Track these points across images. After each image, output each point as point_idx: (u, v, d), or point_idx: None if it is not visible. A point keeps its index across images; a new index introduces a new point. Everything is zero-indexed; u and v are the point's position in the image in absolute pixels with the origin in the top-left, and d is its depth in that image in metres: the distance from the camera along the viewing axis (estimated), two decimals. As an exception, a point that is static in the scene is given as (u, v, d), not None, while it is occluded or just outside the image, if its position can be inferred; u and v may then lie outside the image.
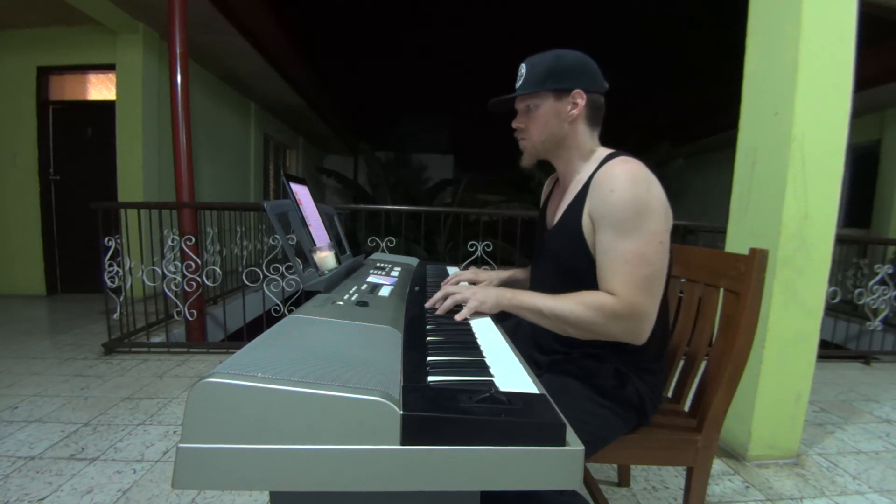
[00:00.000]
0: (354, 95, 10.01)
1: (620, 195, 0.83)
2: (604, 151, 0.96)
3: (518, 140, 1.02)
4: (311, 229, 1.00)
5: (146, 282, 2.85)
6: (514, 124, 1.00)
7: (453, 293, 0.94)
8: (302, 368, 0.48)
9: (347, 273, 1.12)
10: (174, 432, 1.77)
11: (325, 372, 0.48)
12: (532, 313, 0.89)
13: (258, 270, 2.88)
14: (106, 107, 4.27)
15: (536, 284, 1.09)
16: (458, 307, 0.94)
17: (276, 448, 0.43)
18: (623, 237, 0.83)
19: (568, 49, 0.95)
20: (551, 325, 0.88)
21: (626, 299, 0.82)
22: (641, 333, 0.85)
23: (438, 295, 0.95)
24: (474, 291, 0.93)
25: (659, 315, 0.89)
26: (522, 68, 0.96)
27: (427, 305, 0.96)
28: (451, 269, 1.53)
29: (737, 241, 1.81)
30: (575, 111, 0.93)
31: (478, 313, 0.93)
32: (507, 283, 1.24)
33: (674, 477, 1.59)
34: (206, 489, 1.37)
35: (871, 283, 3.29)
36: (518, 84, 0.97)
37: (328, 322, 0.69)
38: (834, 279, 3.42)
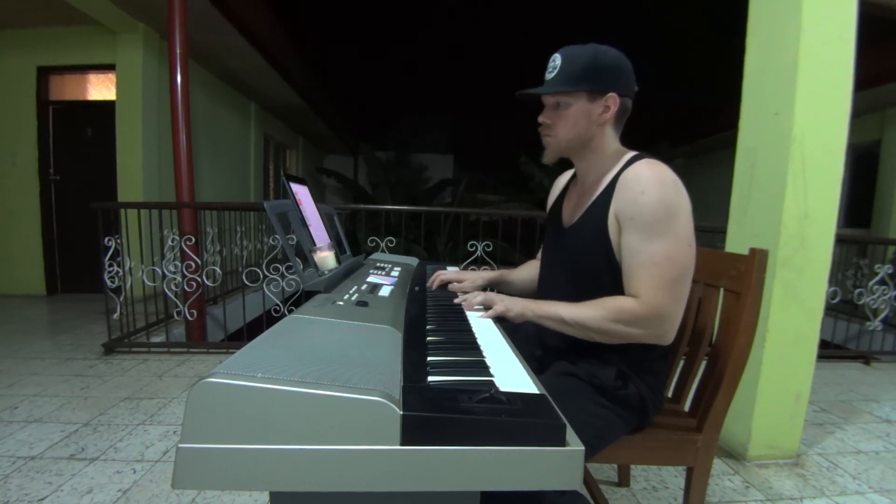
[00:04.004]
0: (354, 95, 10.01)
1: (650, 197, 0.82)
2: (628, 153, 0.95)
3: (542, 135, 0.98)
4: (311, 229, 1.00)
5: (146, 282, 2.85)
6: (541, 119, 0.96)
7: (482, 295, 0.99)
8: (302, 368, 0.48)
9: (347, 273, 1.12)
10: (174, 432, 1.77)
11: (325, 372, 0.48)
12: (555, 322, 0.90)
13: (258, 270, 2.88)
14: (106, 107, 4.27)
15: (547, 284, 1.09)
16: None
17: (276, 448, 0.43)
18: (652, 239, 0.83)
19: (605, 46, 0.91)
20: (575, 333, 0.89)
21: (648, 302, 0.83)
22: (665, 335, 0.86)
23: (469, 295, 1.01)
24: (503, 298, 0.95)
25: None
26: (557, 59, 0.91)
27: (457, 301, 1.02)
28: (452, 270, 1.53)
29: (737, 241, 1.81)
30: (606, 115, 0.91)
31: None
32: (495, 284, 1.25)
33: (674, 477, 1.59)
34: (206, 489, 1.37)
35: (871, 283, 3.28)
36: (551, 76, 0.91)
37: (328, 322, 0.69)
38: (834, 279, 3.41)
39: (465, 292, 1.09)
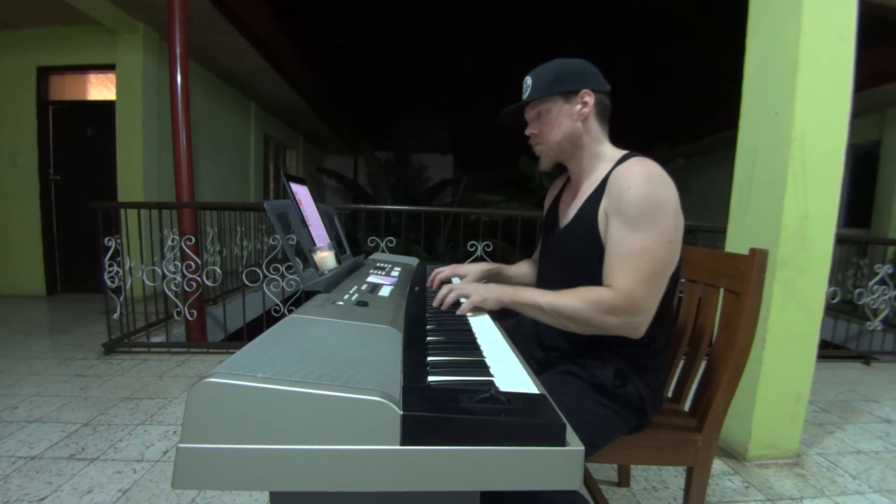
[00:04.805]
0: (354, 95, 10.01)
1: (636, 192, 0.84)
2: (618, 152, 0.98)
3: (533, 146, 1.03)
4: (311, 229, 1.00)
5: (146, 282, 2.85)
6: (528, 131, 1.02)
7: (456, 289, 0.96)
8: (302, 368, 0.48)
9: (347, 273, 1.12)
10: (174, 432, 1.77)
11: (324, 372, 0.48)
12: (532, 309, 0.90)
13: (258, 270, 2.88)
14: (106, 107, 4.27)
15: (545, 284, 1.10)
16: (456, 302, 0.96)
17: (276, 448, 0.43)
18: (633, 232, 0.84)
19: (567, 58, 0.99)
20: (551, 321, 0.89)
21: (623, 292, 0.83)
22: (639, 327, 0.86)
23: (442, 292, 0.97)
24: (476, 288, 0.95)
25: (663, 312, 0.90)
26: (528, 80, 0.99)
27: (434, 304, 0.98)
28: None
29: (737, 241, 1.81)
30: (586, 109, 0.96)
31: (478, 310, 0.94)
32: (492, 276, 1.26)
33: (674, 477, 1.59)
34: (206, 489, 1.37)
35: (871, 283, 3.28)
36: (526, 93, 0.99)
37: (328, 322, 0.69)
38: (834, 279, 3.41)
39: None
